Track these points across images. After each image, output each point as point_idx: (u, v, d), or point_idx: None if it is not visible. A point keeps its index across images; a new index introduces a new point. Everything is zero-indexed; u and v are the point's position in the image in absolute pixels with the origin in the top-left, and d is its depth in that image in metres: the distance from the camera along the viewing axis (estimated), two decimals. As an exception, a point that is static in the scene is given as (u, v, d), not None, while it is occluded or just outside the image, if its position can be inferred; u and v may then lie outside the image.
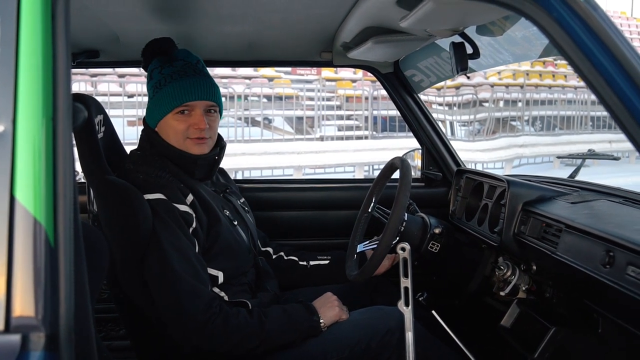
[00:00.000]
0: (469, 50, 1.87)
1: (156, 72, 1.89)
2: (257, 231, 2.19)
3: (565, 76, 16.79)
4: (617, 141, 13.25)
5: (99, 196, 1.81)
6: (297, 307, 1.86)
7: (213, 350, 1.75)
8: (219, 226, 1.86)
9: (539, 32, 1.10)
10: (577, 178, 2.35)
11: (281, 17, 1.95)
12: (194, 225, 1.79)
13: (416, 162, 2.88)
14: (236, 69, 14.12)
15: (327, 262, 2.28)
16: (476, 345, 1.96)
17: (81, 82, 11.22)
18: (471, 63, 1.93)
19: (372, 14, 1.79)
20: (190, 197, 1.82)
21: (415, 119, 2.73)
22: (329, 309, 1.87)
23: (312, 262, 2.27)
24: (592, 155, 2.46)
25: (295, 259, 2.27)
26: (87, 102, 1.76)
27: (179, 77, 1.86)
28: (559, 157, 10.85)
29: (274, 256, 2.28)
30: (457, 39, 1.88)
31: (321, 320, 1.84)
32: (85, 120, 1.69)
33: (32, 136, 0.89)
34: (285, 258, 2.27)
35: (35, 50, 0.91)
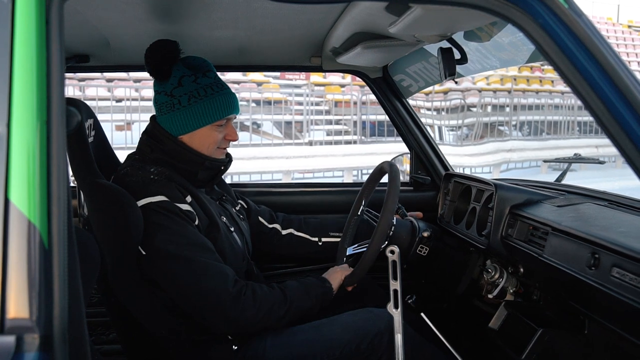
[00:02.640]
0: (457, 55, 1.89)
1: (189, 81, 1.88)
2: (262, 212, 2.32)
3: (552, 81, 16.90)
4: (603, 146, 13.34)
5: (90, 200, 1.81)
6: (309, 278, 1.97)
7: (246, 324, 1.78)
8: (217, 231, 1.87)
9: (525, 38, 1.12)
10: (564, 182, 2.38)
11: (271, 22, 1.96)
12: (196, 222, 1.81)
13: (405, 166, 2.90)
14: (225, 73, 14.09)
15: (340, 239, 2.32)
16: (465, 347, 1.98)
17: (69, 87, 11.15)
18: (459, 68, 1.95)
19: (361, 19, 1.81)
20: (189, 198, 1.84)
21: (404, 124, 2.75)
22: (334, 279, 1.99)
23: (324, 239, 2.34)
24: (578, 159, 2.48)
25: (307, 236, 2.34)
26: (78, 106, 1.76)
27: (220, 90, 1.91)
28: (545, 161, 10.94)
29: (283, 232, 2.34)
30: (445, 44, 1.90)
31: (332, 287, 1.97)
32: (79, 125, 1.70)
33: (27, 139, 0.90)
34: (296, 234, 2.34)
35: (30, 55, 0.92)
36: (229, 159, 2.04)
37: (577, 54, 1.05)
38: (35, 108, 0.90)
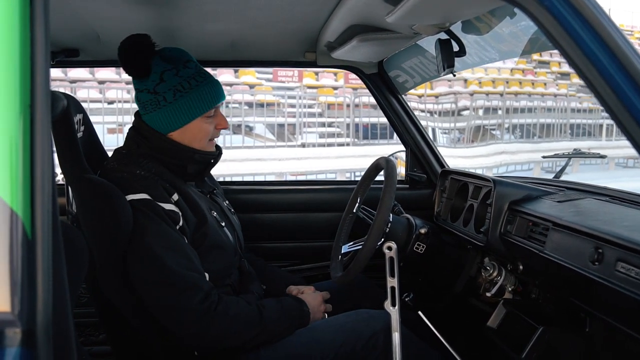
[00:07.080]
0: (455, 47, 1.86)
1: (171, 75, 1.80)
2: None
3: (545, 84, 16.95)
4: (596, 148, 13.38)
5: (79, 195, 1.76)
6: (288, 298, 1.92)
7: (211, 341, 1.72)
8: (207, 227, 1.82)
9: (525, 29, 1.09)
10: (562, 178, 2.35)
11: (265, 15, 1.93)
12: (180, 223, 1.75)
13: (400, 168, 2.86)
14: (217, 74, 14.10)
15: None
16: (463, 347, 1.94)
17: (60, 88, 11.08)
18: (456, 61, 1.91)
19: (357, 11, 1.77)
20: (175, 196, 1.78)
21: (400, 120, 2.72)
22: (314, 306, 1.93)
23: None
24: (578, 154, 2.45)
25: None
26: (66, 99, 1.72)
27: (204, 79, 1.84)
28: (544, 157, 10.90)
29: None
30: (443, 36, 1.86)
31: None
32: (64, 111, 1.65)
33: (9, 126, 0.85)
34: None
35: (12, 36, 0.87)
36: (219, 152, 1.98)
37: (585, 37, 1.00)
38: (18, 92, 0.86)
